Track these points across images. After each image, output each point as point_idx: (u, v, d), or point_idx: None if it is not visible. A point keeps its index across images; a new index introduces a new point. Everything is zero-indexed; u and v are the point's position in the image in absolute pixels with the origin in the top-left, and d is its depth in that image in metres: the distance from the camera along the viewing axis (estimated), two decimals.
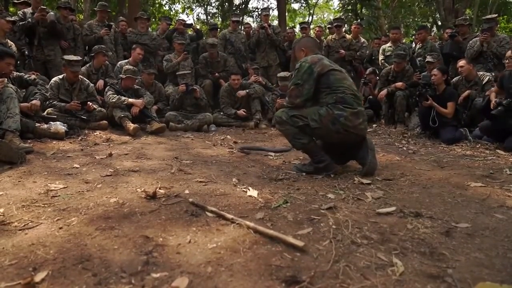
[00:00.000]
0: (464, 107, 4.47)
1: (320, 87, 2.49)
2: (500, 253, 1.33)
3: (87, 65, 5.23)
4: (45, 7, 4.99)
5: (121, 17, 7.13)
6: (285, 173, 2.58)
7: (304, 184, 2.28)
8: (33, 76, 4.06)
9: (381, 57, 6.26)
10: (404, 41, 6.88)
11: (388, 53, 6.05)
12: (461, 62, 4.63)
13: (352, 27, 7.08)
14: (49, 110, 4.09)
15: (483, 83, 4.46)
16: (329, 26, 7.59)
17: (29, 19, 4.90)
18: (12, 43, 4.56)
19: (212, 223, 1.57)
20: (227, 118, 5.46)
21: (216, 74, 6.16)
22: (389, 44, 6.23)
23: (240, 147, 3.53)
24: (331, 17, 20.69)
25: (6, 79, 3.38)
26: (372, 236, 1.46)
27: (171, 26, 7.35)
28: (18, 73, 3.96)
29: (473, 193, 2.10)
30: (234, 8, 16.40)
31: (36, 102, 3.69)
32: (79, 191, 2.04)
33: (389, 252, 1.32)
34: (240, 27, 8.07)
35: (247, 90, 5.51)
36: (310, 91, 2.49)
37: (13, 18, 4.79)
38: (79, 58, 4.51)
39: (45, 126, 3.72)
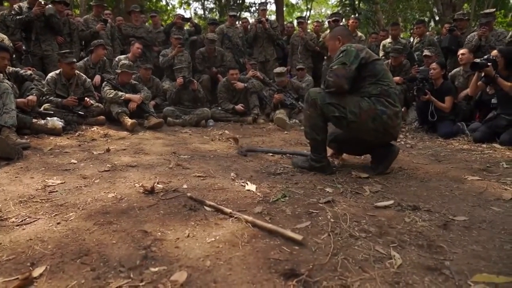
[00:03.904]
0: (465, 99, 4.49)
1: (365, 74, 2.29)
2: (497, 245, 1.34)
3: (85, 59, 5.20)
4: (43, 0, 4.94)
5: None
6: (283, 168, 2.58)
7: (302, 178, 2.28)
8: (29, 72, 4.03)
9: (381, 53, 6.25)
10: (402, 35, 6.85)
11: (389, 49, 6.04)
12: (462, 50, 4.63)
13: (350, 21, 7.05)
14: (46, 105, 4.07)
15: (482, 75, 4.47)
16: (328, 20, 7.56)
17: (27, 14, 4.85)
18: (4, 36, 4.51)
19: (210, 218, 1.57)
20: (225, 113, 5.46)
21: (214, 69, 6.14)
22: (389, 40, 6.23)
23: (245, 149, 3.19)
24: (329, 12, 20.62)
25: (1, 74, 3.35)
26: (370, 229, 1.47)
27: (168, 20, 7.30)
28: (14, 68, 3.93)
29: (470, 186, 2.11)
30: (231, 3, 16.29)
31: (32, 97, 3.67)
32: (77, 187, 2.03)
33: (387, 245, 1.33)
34: (237, 22, 8.02)
35: (245, 84, 5.51)
36: (352, 76, 2.27)
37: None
38: (71, 50, 4.48)
39: (42, 121, 3.70)
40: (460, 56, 4.66)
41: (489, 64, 3.63)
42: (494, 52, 3.79)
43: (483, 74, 3.81)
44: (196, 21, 11.38)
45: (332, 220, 1.56)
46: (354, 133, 2.39)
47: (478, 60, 3.78)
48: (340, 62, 2.27)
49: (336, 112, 2.26)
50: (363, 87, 2.30)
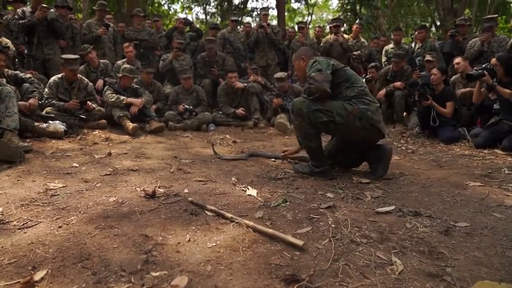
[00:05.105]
0: (465, 104, 4.49)
1: (338, 81, 2.39)
2: (499, 252, 1.34)
3: (85, 64, 5.22)
4: (45, 5, 4.97)
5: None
6: (284, 172, 2.58)
7: (303, 183, 2.28)
8: (28, 75, 4.05)
9: (384, 58, 6.27)
10: (403, 41, 6.88)
11: (391, 55, 6.05)
12: (457, 59, 4.66)
13: (354, 27, 7.07)
14: (48, 109, 4.08)
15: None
16: (330, 25, 7.58)
17: (29, 18, 4.89)
18: (8, 40, 4.54)
19: (211, 222, 1.57)
20: (226, 117, 5.46)
21: (215, 69, 6.15)
22: (391, 45, 6.25)
23: (249, 153, 3.24)
24: (330, 17, 20.70)
25: (4, 79, 3.38)
26: (371, 235, 1.47)
27: (170, 24, 7.34)
28: (13, 71, 3.95)
29: (472, 192, 2.11)
30: (233, 8, 16.37)
31: (34, 100, 3.69)
32: (78, 190, 2.03)
33: (388, 251, 1.33)
34: (239, 26, 8.05)
35: (245, 85, 5.53)
36: (330, 80, 2.35)
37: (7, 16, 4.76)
38: (76, 56, 4.49)
39: (44, 125, 3.71)
40: (456, 66, 4.69)
41: (485, 73, 3.64)
42: (493, 60, 3.79)
43: None
44: (197, 25, 11.44)
45: (333, 225, 1.56)
46: (343, 135, 2.47)
47: (472, 72, 3.80)
48: (316, 69, 2.35)
49: (324, 117, 2.31)
50: (341, 92, 2.38)
